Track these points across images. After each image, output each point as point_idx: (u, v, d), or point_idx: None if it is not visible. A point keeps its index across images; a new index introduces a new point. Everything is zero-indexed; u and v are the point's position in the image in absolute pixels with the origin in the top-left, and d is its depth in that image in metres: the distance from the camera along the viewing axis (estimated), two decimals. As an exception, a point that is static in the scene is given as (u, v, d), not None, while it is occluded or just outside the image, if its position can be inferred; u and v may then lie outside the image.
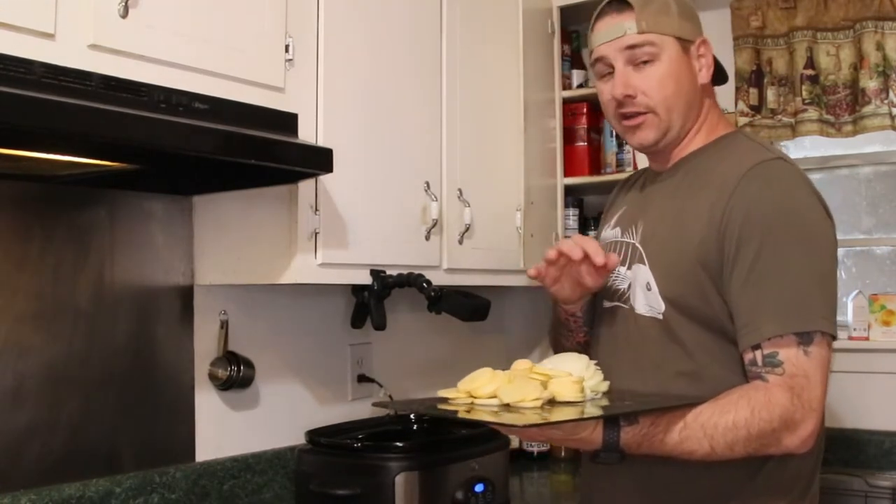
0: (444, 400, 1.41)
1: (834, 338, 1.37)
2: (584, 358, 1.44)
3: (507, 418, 1.28)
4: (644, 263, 1.49)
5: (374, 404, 1.62)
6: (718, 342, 1.42)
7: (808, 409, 1.33)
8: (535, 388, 1.33)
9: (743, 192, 1.40)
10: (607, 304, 1.58)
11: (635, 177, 1.75)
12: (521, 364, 1.44)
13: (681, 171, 1.55)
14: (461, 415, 1.36)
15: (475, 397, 1.37)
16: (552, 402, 1.34)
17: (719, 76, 1.62)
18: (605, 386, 1.43)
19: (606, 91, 1.54)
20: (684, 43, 1.51)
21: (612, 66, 1.52)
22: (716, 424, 1.33)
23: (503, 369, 1.41)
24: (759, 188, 1.40)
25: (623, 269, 1.55)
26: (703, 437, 1.33)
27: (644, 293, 1.48)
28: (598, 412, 1.35)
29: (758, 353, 1.36)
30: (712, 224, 1.41)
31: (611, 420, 1.34)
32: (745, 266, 1.37)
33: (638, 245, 1.53)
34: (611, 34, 1.51)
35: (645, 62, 1.49)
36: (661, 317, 1.46)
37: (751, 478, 1.42)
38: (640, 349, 1.49)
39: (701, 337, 1.43)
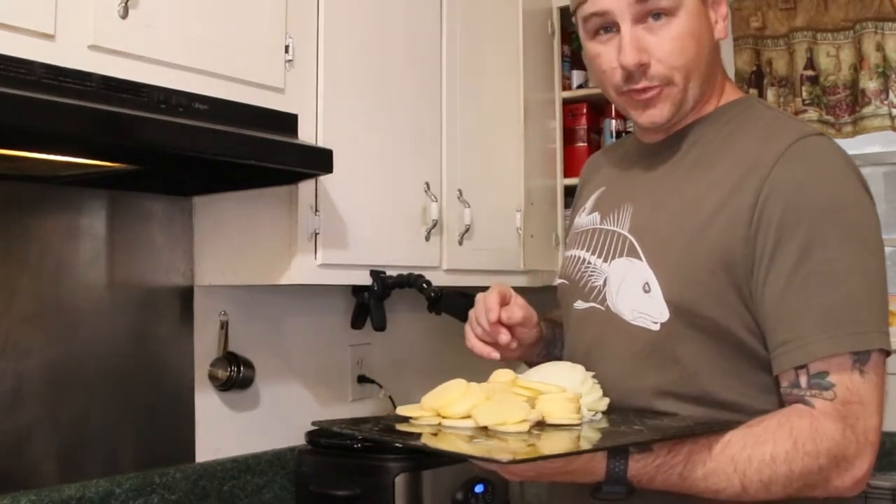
0: (406, 419, 1.16)
1: (888, 354, 1.13)
2: (578, 368, 1.20)
3: (485, 448, 1.01)
4: (639, 258, 1.22)
5: (315, 423, 1.32)
6: (734, 361, 1.17)
7: (863, 442, 1.08)
8: (521, 407, 1.08)
9: (782, 175, 1.13)
10: (581, 304, 1.31)
11: (613, 148, 1.47)
12: (502, 375, 1.18)
13: (683, 142, 1.27)
14: (424, 440, 1.07)
15: (444, 417, 1.12)
16: (541, 425, 1.09)
17: None
18: (604, 404, 1.19)
19: (608, 57, 1.22)
20: None
21: (613, 24, 1.20)
22: (749, 458, 1.08)
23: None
24: (802, 172, 1.14)
25: (598, 262, 1.28)
26: (734, 472, 1.08)
27: (638, 296, 1.21)
28: (597, 437, 1.10)
29: (802, 374, 1.11)
30: (740, 213, 1.15)
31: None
32: (787, 266, 1.12)
33: (626, 234, 1.26)
34: None
35: (657, 16, 1.18)
36: (657, 327, 1.19)
37: None
38: (625, 367, 1.23)
39: (710, 354, 1.17)
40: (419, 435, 1.10)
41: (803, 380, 1.11)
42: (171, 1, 1.57)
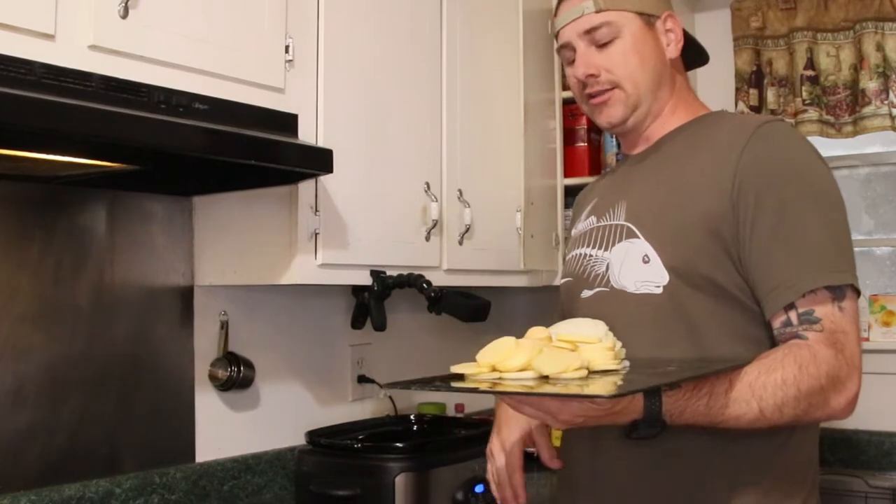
0: (460, 377, 1.23)
1: (859, 294, 1.32)
2: (600, 323, 1.31)
3: (590, 389, 1.10)
4: (637, 237, 1.40)
5: (386, 385, 1.32)
6: (728, 314, 1.34)
7: (851, 366, 1.26)
8: (575, 357, 1.17)
9: (754, 151, 1.34)
10: (587, 293, 1.47)
11: (604, 174, 1.69)
12: (538, 332, 1.28)
13: (666, 144, 1.50)
14: (506, 388, 1.15)
15: (502, 371, 1.19)
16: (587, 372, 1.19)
17: (699, 57, 1.58)
18: (624, 353, 1.30)
19: (573, 76, 1.52)
20: (647, 18, 1.48)
21: (575, 50, 1.50)
22: (764, 384, 1.23)
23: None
24: (770, 146, 1.35)
25: (600, 252, 1.45)
26: (752, 397, 1.23)
27: (639, 268, 1.38)
28: (642, 378, 1.20)
29: (792, 313, 1.29)
30: (721, 187, 1.34)
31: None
32: (768, 225, 1.31)
33: (623, 223, 1.43)
34: (569, 16, 1.49)
35: (606, 43, 1.46)
36: (660, 290, 1.35)
37: (767, 459, 1.33)
38: (635, 331, 1.35)
39: (709, 309, 1.34)
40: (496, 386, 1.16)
41: (794, 318, 1.29)
42: (171, 1, 1.57)
